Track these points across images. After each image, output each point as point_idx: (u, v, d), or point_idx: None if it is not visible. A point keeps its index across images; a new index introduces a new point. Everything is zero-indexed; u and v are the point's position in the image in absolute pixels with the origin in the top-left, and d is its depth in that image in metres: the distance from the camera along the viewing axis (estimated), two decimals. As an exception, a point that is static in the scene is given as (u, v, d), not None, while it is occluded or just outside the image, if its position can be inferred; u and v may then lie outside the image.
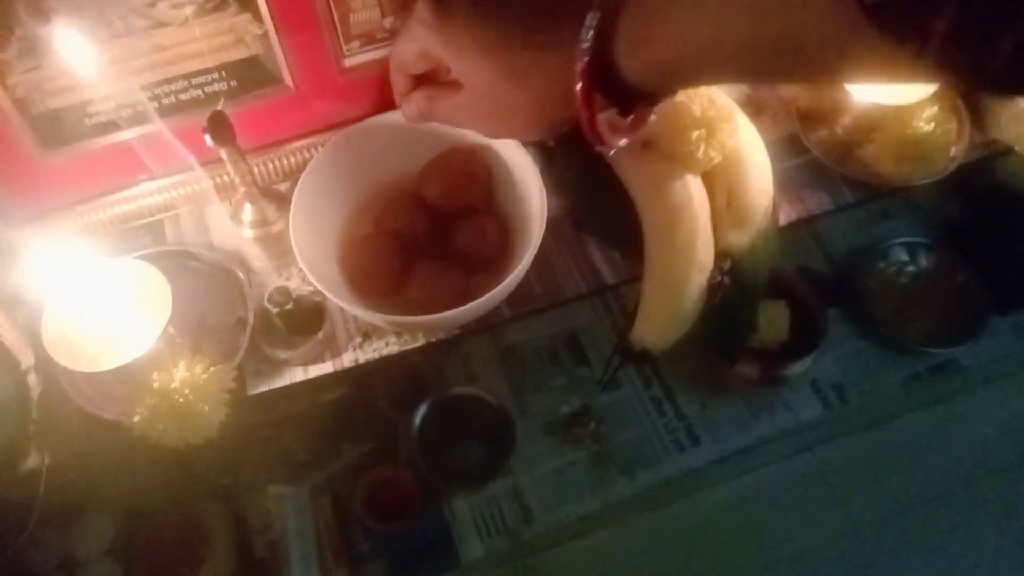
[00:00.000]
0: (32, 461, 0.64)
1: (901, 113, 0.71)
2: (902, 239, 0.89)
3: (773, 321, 0.79)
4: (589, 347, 0.85)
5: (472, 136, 0.71)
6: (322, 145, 0.72)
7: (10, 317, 0.64)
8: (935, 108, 0.74)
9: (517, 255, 0.66)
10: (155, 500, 0.76)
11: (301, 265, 0.63)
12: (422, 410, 0.78)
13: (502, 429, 0.79)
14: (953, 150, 0.75)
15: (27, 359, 0.62)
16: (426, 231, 0.71)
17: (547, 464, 0.82)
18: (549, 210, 0.68)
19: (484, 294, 0.61)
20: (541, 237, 0.63)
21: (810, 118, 0.77)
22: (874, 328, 0.86)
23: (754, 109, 0.78)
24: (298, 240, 0.64)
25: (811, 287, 0.82)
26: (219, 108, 0.61)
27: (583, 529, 0.80)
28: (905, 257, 0.89)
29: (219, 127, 0.60)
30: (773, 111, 0.80)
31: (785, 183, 0.75)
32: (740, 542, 1.21)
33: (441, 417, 0.79)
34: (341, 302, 0.62)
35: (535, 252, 0.63)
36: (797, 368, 0.82)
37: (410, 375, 0.80)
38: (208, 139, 0.60)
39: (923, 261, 0.89)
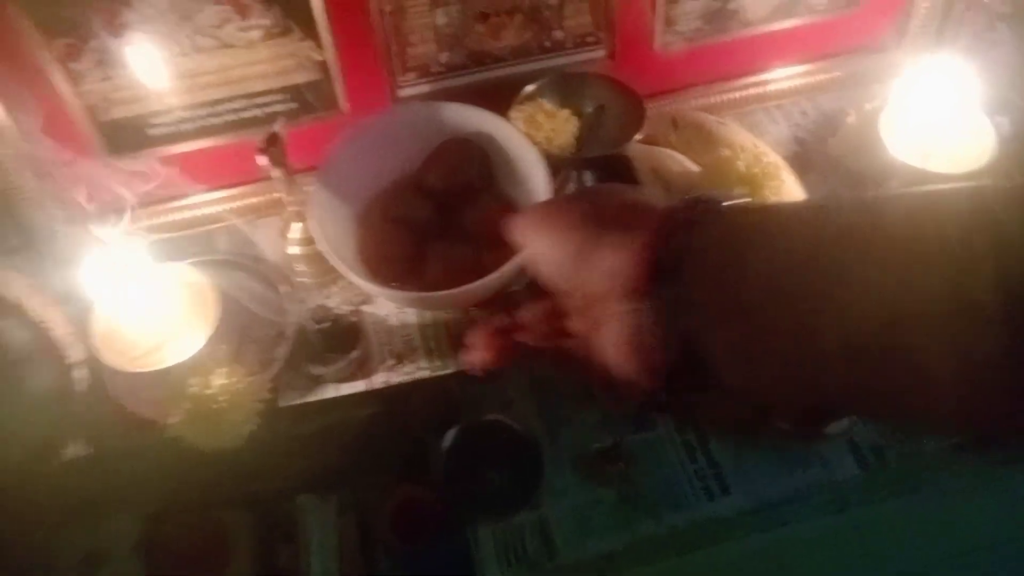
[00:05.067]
0: (69, 452, 0.66)
1: (948, 181, 0.70)
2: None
3: None
4: (625, 385, 0.84)
5: (466, 125, 0.73)
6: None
7: (63, 312, 0.67)
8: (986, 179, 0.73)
9: None
10: (183, 502, 0.78)
11: (333, 260, 0.64)
12: (452, 434, 0.79)
13: (530, 460, 0.79)
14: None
15: (76, 354, 0.64)
16: (433, 215, 0.72)
17: (573, 499, 0.81)
18: None
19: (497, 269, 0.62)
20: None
21: (857, 178, 0.77)
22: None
23: (801, 167, 0.78)
24: (326, 240, 0.65)
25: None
26: (276, 130, 0.63)
27: (606, 568, 0.80)
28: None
29: (274, 149, 0.62)
30: (821, 169, 0.79)
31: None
32: (767, 597, 1.19)
33: (470, 442, 0.80)
34: (374, 287, 0.64)
35: None
36: (836, 427, 0.81)
37: (445, 398, 0.81)
38: (263, 159, 0.62)
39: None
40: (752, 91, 0.85)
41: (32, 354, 0.61)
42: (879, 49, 0.86)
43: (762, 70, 0.84)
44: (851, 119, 0.80)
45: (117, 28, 0.64)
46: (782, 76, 0.85)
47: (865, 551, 1.24)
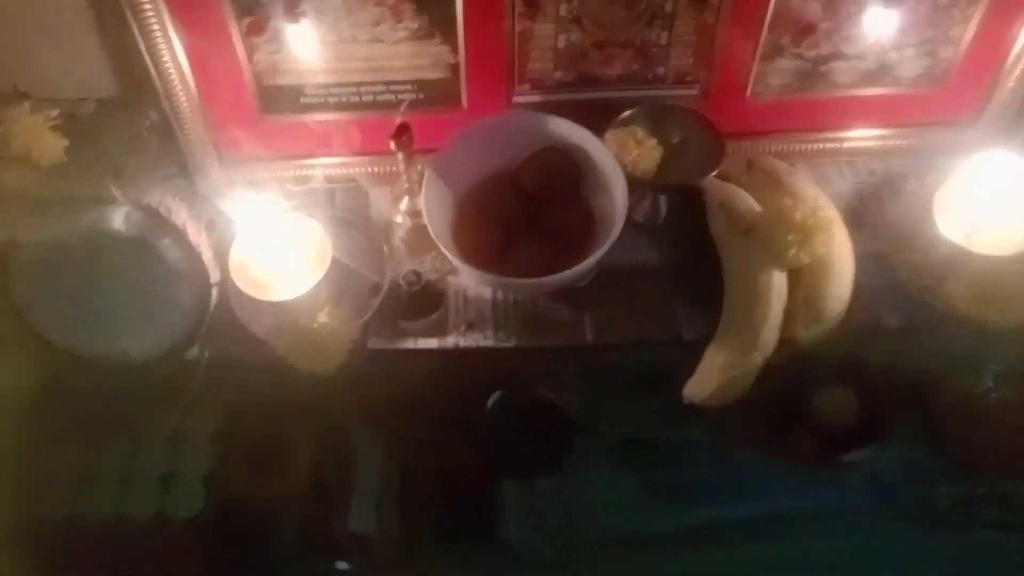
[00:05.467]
0: (193, 353, 0.81)
1: (988, 261, 0.77)
2: (994, 365, 0.90)
3: (840, 408, 0.84)
4: (667, 382, 0.87)
5: (565, 137, 0.83)
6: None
7: (209, 237, 0.81)
8: (1019, 266, 0.79)
9: (599, 242, 0.77)
10: (264, 408, 0.90)
11: (434, 236, 0.76)
12: (495, 397, 0.89)
13: (563, 433, 0.89)
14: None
15: (215, 275, 0.78)
16: (522, 212, 0.84)
17: (601, 479, 0.89)
18: (653, 262, 0.82)
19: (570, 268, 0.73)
20: (622, 225, 0.75)
21: (905, 243, 0.84)
22: (945, 441, 0.89)
23: (856, 222, 0.86)
24: (430, 217, 0.77)
25: (891, 385, 0.86)
26: (405, 120, 0.75)
27: (617, 547, 0.87)
28: (990, 383, 0.92)
29: (404, 137, 0.74)
30: (874, 227, 0.87)
31: (869, 295, 0.83)
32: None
33: (511, 408, 0.90)
34: (463, 263, 0.76)
35: (616, 236, 0.75)
36: (854, 456, 0.88)
37: (503, 366, 0.91)
38: (393, 144, 0.74)
39: (1010, 391, 0.91)
40: (828, 145, 0.93)
41: (183, 271, 0.75)
42: (955, 125, 0.93)
43: (841, 128, 0.92)
44: (911, 187, 0.87)
45: (294, 14, 0.77)
46: (858, 136, 0.92)
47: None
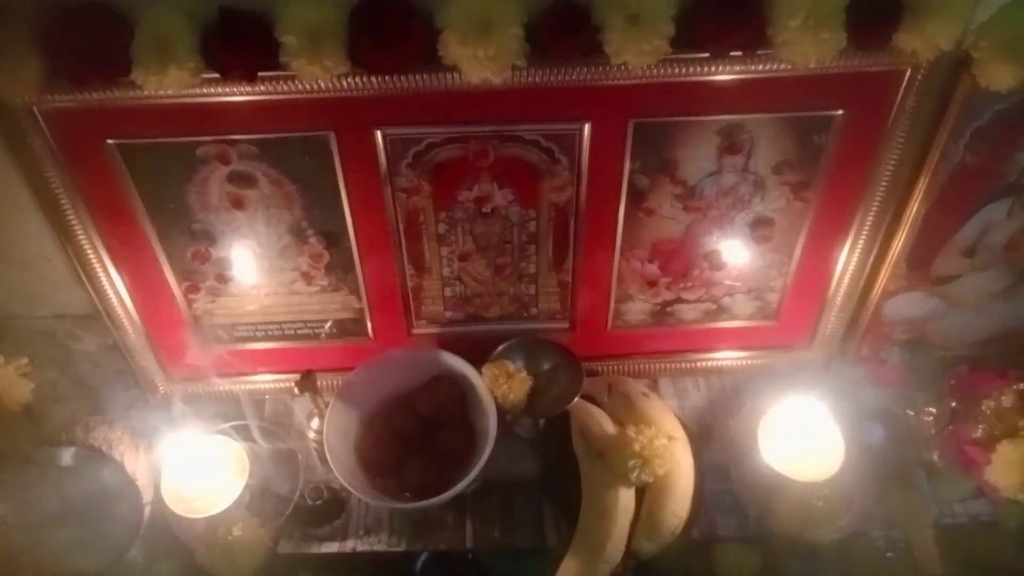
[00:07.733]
0: (130, 555, 0.95)
1: (801, 485, 0.92)
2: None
3: (741, 566, 0.96)
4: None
5: (452, 368, 0.99)
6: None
7: (146, 465, 0.96)
8: (828, 490, 0.94)
9: (478, 455, 0.92)
10: None
11: (332, 465, 0.91)
12: (423, 558, 1.01)
13: None
14: (842, 522, 0.95)
15: (148, 495, 0.93)
16: (417, 431, 0.99)
17: None
18: (530, 472, 0.97)
19: (454, 485, 0.88)
20: (492, 446, 0.90)
21: (742, 459, 0.99)
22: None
23: (707, 435, 1.02)
24: (330, 443, 0.92)
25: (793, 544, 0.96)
26: (309, 368, 0.91)
27: None
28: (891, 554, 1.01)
29: (306, 381, 0.91)
30: (719, 441, 1.03)
31: (711, 503, 0.97)
32: None
33: (437, 566, 1.02)
34: (355, 491, 0.89)
35: (484, 463, 0.89)
36: None
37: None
38: (296, 389, 0.91)
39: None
40: (684, 364, 1.09)
41: (121, 493, 0.90)
42: (792, 349, 1.09)
43: (693, 351, 1.09)
44: (746, 409, 1.02)
45: (223, 279, 0.95)
46: (709, 357, 1.09)
47: None
